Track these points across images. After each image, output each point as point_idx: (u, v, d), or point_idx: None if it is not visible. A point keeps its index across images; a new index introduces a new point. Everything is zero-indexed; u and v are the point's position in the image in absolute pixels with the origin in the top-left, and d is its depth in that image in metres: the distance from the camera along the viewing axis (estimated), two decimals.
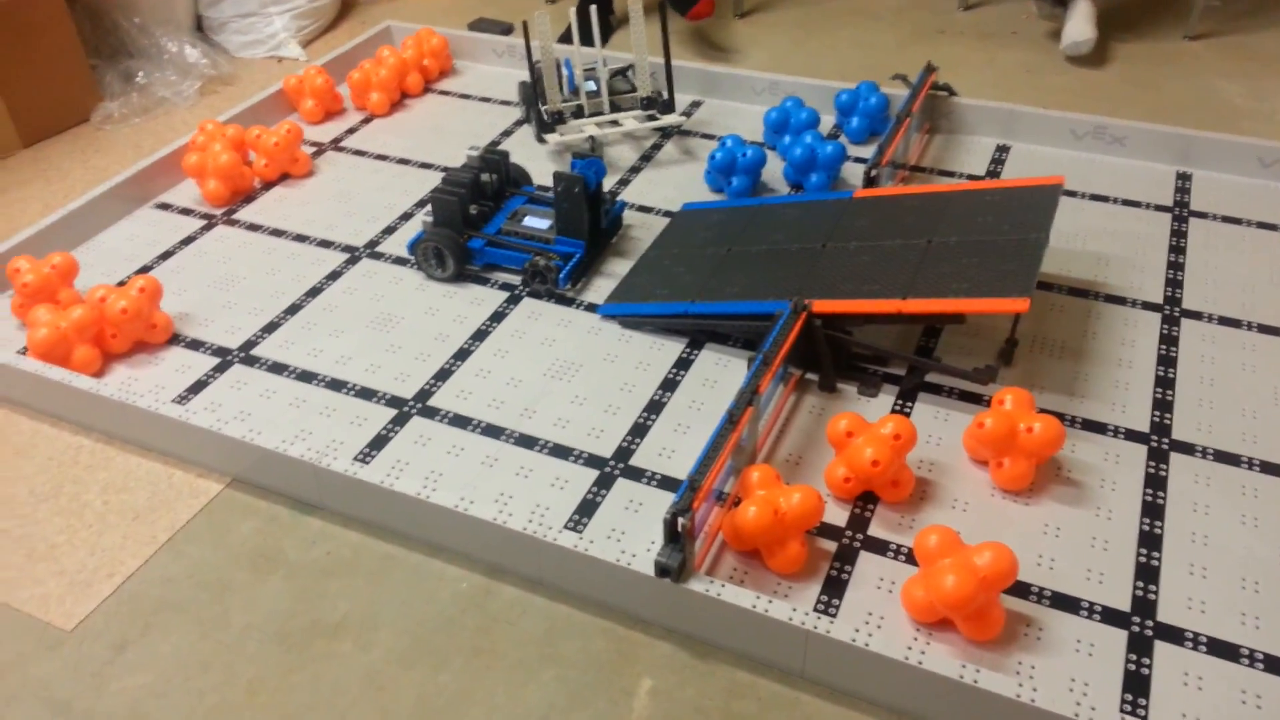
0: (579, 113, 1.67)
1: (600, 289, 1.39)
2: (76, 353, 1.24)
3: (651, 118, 1.68)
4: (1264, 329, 1.27)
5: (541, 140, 1.68)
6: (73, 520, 1.09)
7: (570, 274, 1.37)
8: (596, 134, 1.64)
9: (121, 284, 1.32)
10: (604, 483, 1.09)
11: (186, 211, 1.58)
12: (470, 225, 1.42)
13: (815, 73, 1.85)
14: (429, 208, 1.42)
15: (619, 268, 1.42)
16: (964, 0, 2.27)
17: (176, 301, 1.38)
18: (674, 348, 1.27)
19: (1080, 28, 1.96)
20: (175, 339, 1.32)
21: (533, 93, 1.68)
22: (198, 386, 1.24)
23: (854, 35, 2.16)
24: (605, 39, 2.17)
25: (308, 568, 1.03)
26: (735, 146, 1.53)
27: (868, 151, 1.64)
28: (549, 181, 1.55)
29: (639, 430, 1.15)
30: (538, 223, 1.43)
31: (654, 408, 1.18)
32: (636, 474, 1.10)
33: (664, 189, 1.59)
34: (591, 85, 1.69)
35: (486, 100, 1.89)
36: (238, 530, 1.07)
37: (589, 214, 1.38)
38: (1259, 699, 0.87)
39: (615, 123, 1.68)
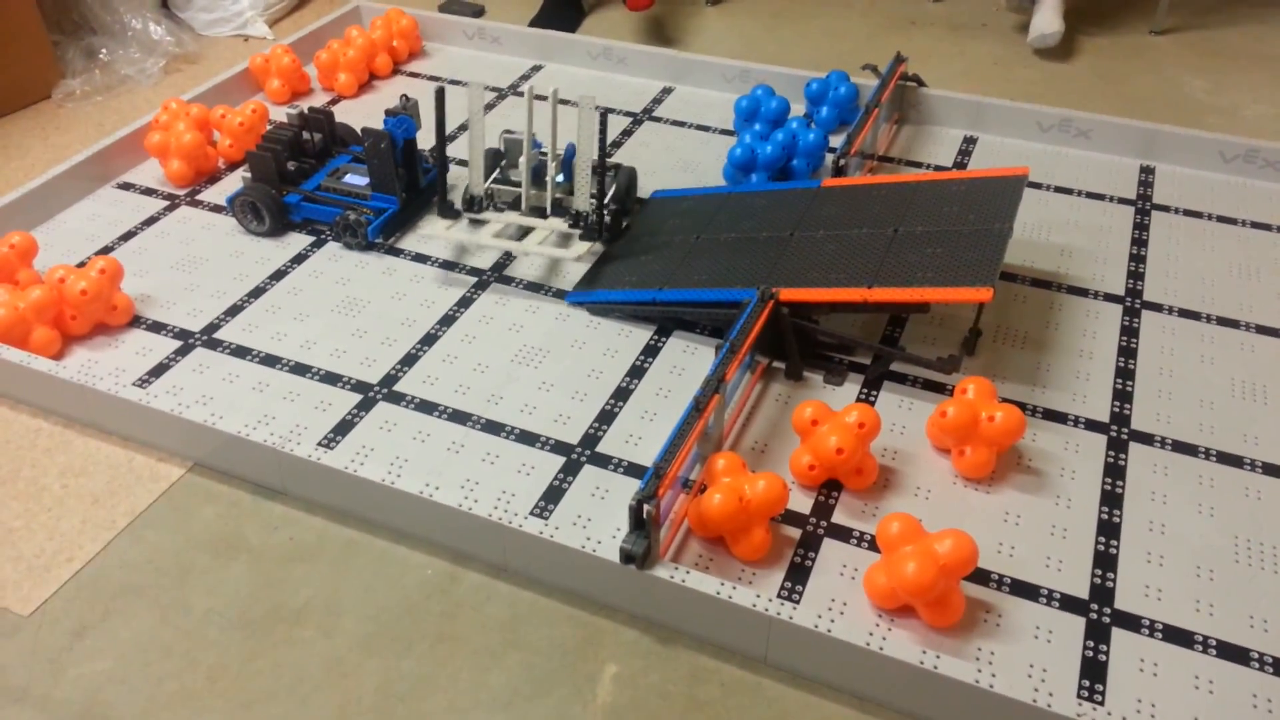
0: (516, 204, 1.38)
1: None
2: (35, 334, 1.22)
3: (565, 239, 1.37)
4: (1222, 321, 1.29)
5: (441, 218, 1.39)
6: (30, 504, 1.08)
7: (381, 228, 1.42)
8: (479, 241, 1.33)
9: (82, 265, 1.29)
10: (570, 469, 1.09)
11: (149, 192, 1.56)
12: (288, 181, 1.46)
13: (786, 61, 1.85)
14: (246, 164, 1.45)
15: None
16: None
17: (138, 283, 1.36)
18: (642, 335, 1.27)
19: (1048, 20, 1.97)
20: (136, 321, 1.30)
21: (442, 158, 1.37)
22: (159, 370, 1.22)
23: (826, 24, 2.16)
24: (576, 25, 2.16)
25: (270, 553, 1.02)
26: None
27: (837, 141, 1.65)
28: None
29: (606, 417, 1.15)
30: (358, 180, 1.47)
31: (621, 394, 1.18)
32: (603, 461, 1.10)
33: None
34: (518, 175, 1.39)
35: (456, 83, 1.87)
36: (199, 515, 1.06)
37: (402, 170, 1.42)
38: (1211, 684, 0.88)
39: (525, 233, 1.37)
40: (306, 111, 1.52)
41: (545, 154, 1.39)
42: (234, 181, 1.58)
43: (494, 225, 1.37)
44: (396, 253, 1.42)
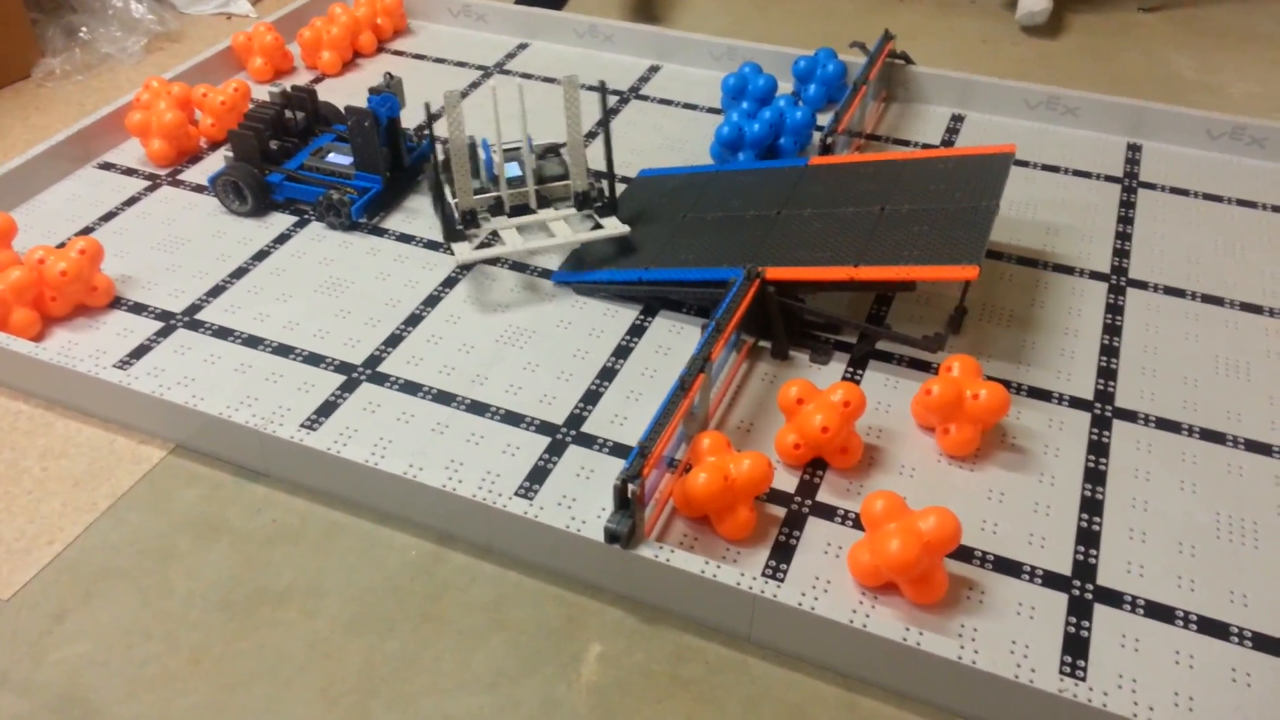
0: (497, 208, 1.33)
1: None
2: (14, 315, 1.21)
3: (589, 219, 1.36)
4: (1207, 299, 1.29)
5: (448, 251, 1.33)
6: (10, 487, 1.07)
7: (365, 207, 1.41)
8: (519, 248, 1.28)
9: (62, 245, 1.28)
10: (555, 449, 1.08)
11: (130, 172, 1.54)
12: (271, 160, 1.44)
13: (774, 39, 1.83)
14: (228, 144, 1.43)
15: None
16: None
17: (119, 264, 1.34)
18: (628, 314, 1.27)
19: None
20: (117, 302, 1.29)
21: (439, 184, 1.34)
22: (140, 351, 1.21)
23: (813, 2, 2.15)
24: (562, 3, 2.14)
25: (252, 535, 1.02)
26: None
27: (824, 119, 1.64)
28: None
29: (591, 397, 1.15)
30: (341, 159, 1.45)
31: (607, 374, 1.18)
32: (588, 441, 1.09)
33: (620, 154, 1.57)
34: (514, 169, 1.36)
35: (441, 61, 1.85)
36: (181, 497, 1.06)
37: (385, 149, 1.40)
38: (1192, 659, 0.89)
39: (544, 228, 1.33)
40: (289, 90, 1.50)
41: (515, 147, 1.36)
42: (216, 161, 1.56)
43: (508, 233, 1.30)
44: (380, 232, 1.41)
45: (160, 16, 2.01)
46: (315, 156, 1.46)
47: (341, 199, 1.39)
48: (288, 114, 1.48)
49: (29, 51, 1.86)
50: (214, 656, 0.91)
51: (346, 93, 1.74)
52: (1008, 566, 0.96)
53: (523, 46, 1.89)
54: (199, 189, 1.50)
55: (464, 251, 1.27)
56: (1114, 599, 0.94)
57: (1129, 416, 1.12)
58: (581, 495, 1.04)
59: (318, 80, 1.80)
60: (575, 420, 1.12)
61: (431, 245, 1.39)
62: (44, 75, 1.84)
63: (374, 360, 1.20)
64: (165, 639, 0.92)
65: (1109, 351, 1.21)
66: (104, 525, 1.03)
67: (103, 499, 1.05)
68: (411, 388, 1.16)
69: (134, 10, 1.99)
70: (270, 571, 0.98)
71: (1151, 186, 1.50)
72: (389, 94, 1.42)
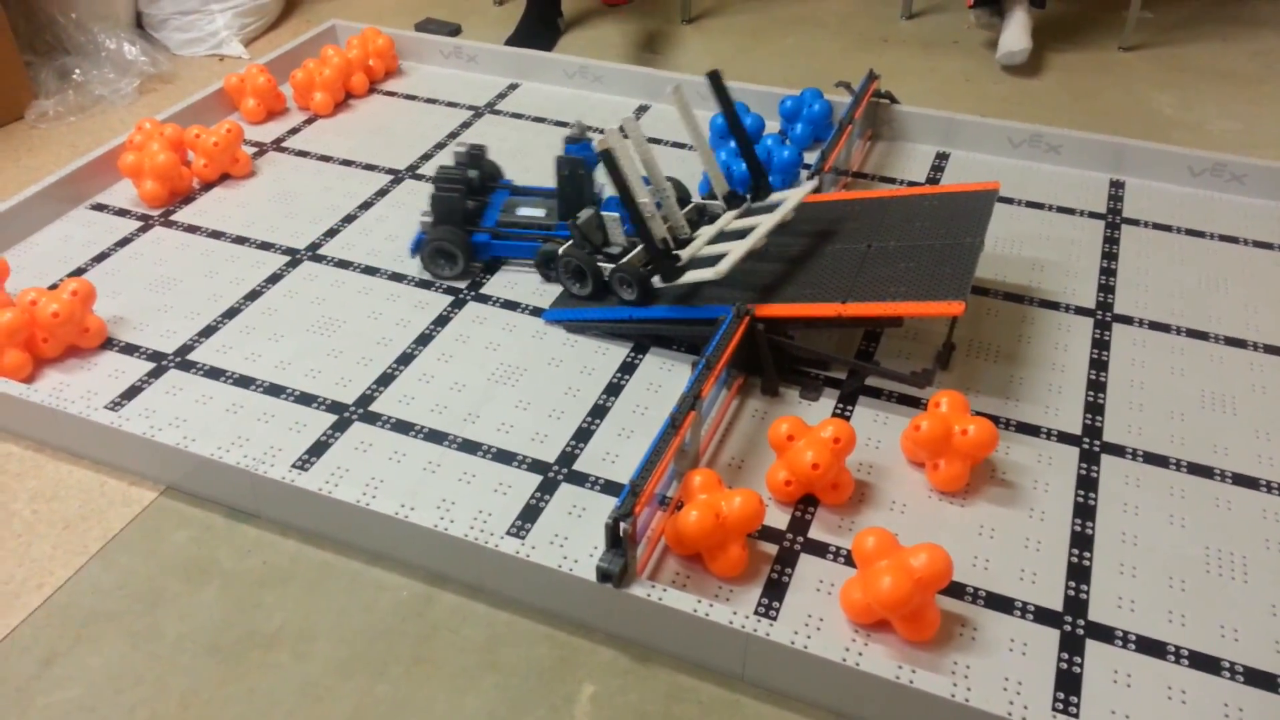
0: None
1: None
2: (6, 357, 1.21)
3: (749, 210, 1.35)
4: (1192, 334, 1.30)
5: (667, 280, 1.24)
6: (0, 530, 1.06)
7: None
8: (747, 245, 1.22)
9: (54, 287, 1.29)
10: (547, 488, 1.09)
11: (122, 212, 1.55)
12: (470, 221, 1.42)
13: (761, 79, 1.86)
14: (426, 208, 1.40)
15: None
16: (907, 9, 2.30)
17: (111, 305, 1.35)
18: (619, 352, 1.27)
19: (1016, 37, 1.99)
20: (109, 343, 1.29)
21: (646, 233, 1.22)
22: (131, 392, 1.21)
23: (799, 43, 2.18)
24: (552, 44, 2.17)
25: (243, 577, 1.01)
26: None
27: (811, 157, 1.66)
28: (518, 176, 1.54)
29: (583, 435, 1.15)
30: (532, 211, 1.43)
31: (598, 412, 1.18)
32: (580, 479, 1.10)
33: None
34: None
35: (433, 101, 1.87)
36: (171, 539, 1.05)
37: (591, 196, 1.38)
38: (1184, 694, 0.89)
39: (724, 233, 1.30)
40: (469, 149, 1.47)
41: (660, 188, 1.31)
42: (209, 202, 1.57)
43: (708, 249, 1.27)
44: (373, 271, 1.41)
45: (153, 58, 2.03)
46: (506, 212, 1.43)
47: (555, 250, 1.33)
48: (470, 172, 1.44)
49: (22, 93, 1.87)
50: (203, 701, 0.90)
51: (339, 134, 1.76)
52: (999, 602, 0.97)
53: (513, 87, 1.92)
54: (191, 229, 1.51)
55: (700, 275, 1.21)
56: (1105, 634, 0.94)
57: (1117, 451, 1.13)
58: (573, 534, 1.04)
59: (310, 121, 1.81)
60: (567, 458, 1.12)
61: (423, 284, 1.39)
62: (37, 117, 1.86)
63: (366, 399, 1.20)
64: (155, 683, 0.91)
65: (1096, 386, 1.22)
66: (94, 568, 1.02)
67: (93, 542, 1.05)
68: (403, 426, 1.16)
69: (127, 52, 2.01)
70: (260, 614, 0.97)
71: (1135, 222, 1.52)
72: (586, 141, 1.37)
